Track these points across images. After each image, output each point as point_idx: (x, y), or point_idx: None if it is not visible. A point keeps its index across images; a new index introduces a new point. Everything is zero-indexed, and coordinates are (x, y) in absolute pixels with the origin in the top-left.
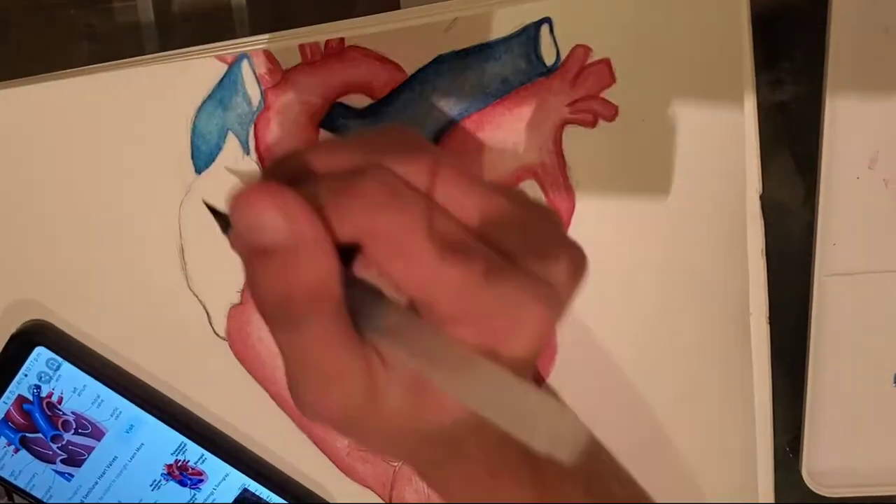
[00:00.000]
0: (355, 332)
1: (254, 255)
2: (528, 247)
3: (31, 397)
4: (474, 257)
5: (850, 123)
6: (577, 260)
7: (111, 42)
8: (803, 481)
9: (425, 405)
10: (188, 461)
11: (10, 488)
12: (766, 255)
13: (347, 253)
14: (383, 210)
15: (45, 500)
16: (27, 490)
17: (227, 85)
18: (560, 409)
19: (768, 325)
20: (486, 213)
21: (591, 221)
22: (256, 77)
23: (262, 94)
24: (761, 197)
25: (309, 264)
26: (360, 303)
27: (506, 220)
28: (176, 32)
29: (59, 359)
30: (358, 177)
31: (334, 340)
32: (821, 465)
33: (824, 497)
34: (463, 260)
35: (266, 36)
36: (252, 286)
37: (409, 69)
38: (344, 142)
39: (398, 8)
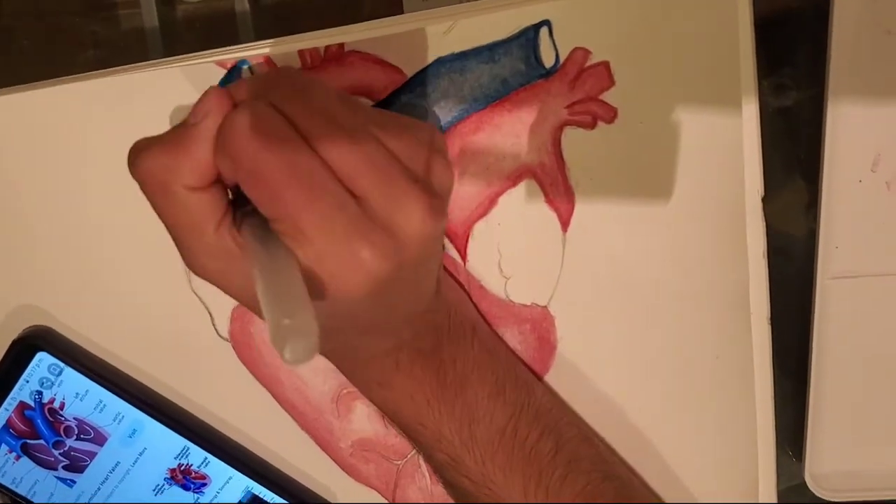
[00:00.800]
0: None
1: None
2: (378, 192)
3: (32, 403)
4: (320, 191)
5: (852, 126)
6: (429, 213)
7: (116, 49)
8: (806, 485)
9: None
10: (191, 465)
11: (11, 496)
12: (769, 257)
13: None
14: (250, 145)
15: None
16: (28, 497)
17: None
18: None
19: (770, 327)
20: (344, 152)
21: (590, 223)
22: None
23: None
24: (763, 199)
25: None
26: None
27: (362, 161)
28: (180, 39)
29: (61, 364)
30: (233, 111)
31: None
32: (824, 468)
33: (827, 501)
34: (309, 192)
35: (266, 42)
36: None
37: (409, 71)
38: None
39: (401, 12)
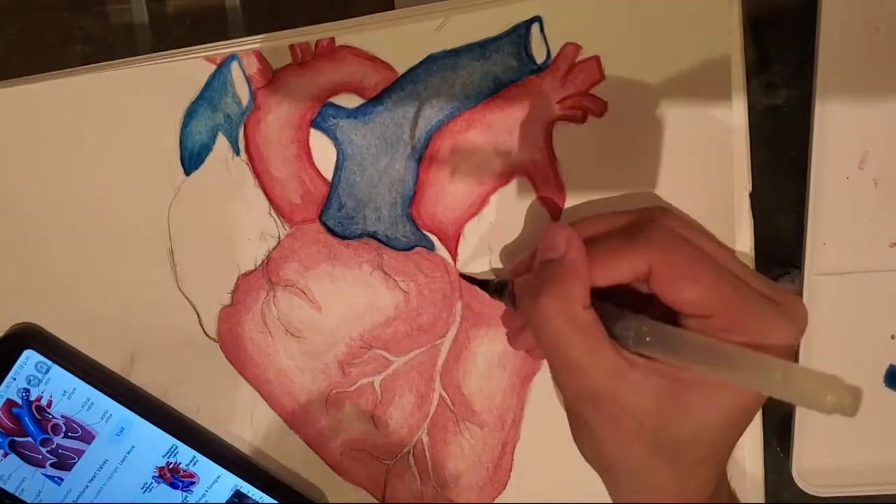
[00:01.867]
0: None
1: (539, 265)
2: (768, 290)
3: (19, 401)
4: (740, 285)
5: (839, 123)
6: (801, 304)
7: (105, 45)
8: (793, 481)
9: (673, 409)
10: (179, 463)
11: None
12: (757, 254)
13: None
14: (675, 245)
15: None
16: (16, 495)
17: (216, 86)
18: (828, 376)
19: None
20: (737, 263)
21: (581, 217)
22: (246, 77)
23: (251, 94)
24: (750, 194)
25: (575, 275)
26: (619, 320)
27: (749, 271)
28: (170, 35)
29: (49, 362)
30: (650, 220)
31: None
32: (811, 464)
33: (814, 497)
34: (734, 286)
35: (255, 37)
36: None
37: (400, 68)
38: (614, 212)
39: (392, 8)
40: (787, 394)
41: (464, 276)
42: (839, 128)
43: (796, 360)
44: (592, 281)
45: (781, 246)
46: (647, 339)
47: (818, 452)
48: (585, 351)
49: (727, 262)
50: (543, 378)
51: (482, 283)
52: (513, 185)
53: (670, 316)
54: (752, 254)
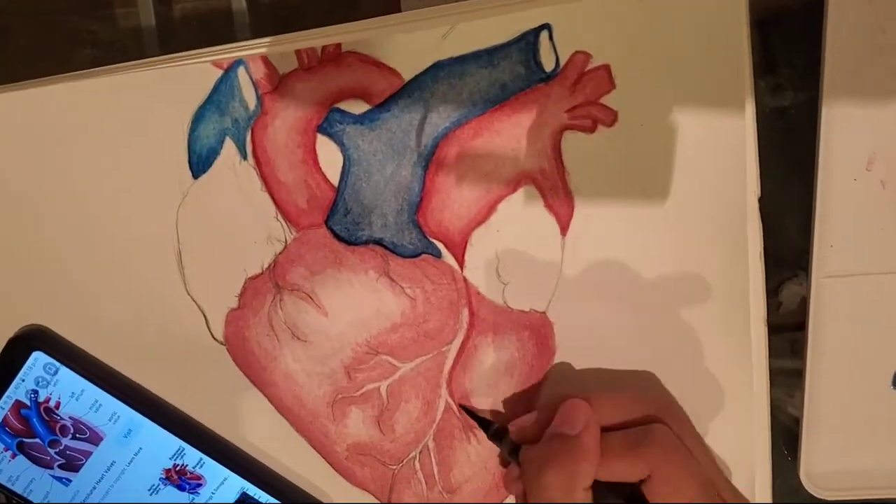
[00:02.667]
0: None
1: (552, 437)
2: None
3: (28, 402)
4: (715, 497)
5: (847, 125)
6: None
7: (112, 48)
8: (801, 484)
9: None
10: (186, 465)
11: (7, 494)
12: (765, 256)
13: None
14: (674, 456)
15: None
16: (24, 496)
17: (224, 90)
18: None
19: (766, 328)
20: (717, 473)
21: (590, 227)
22: (253, 82)
23: (258, 99)
24: (760, 200)
25: (586, 457)
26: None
27: (727, 483)
28: (177, 38)
29: (57, 363)
30: (654, 430)
31: None
32: (819, 467)
33: (823, 500)
34: (711, 498)
35: (262, 41)
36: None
37: (407, 75)
38: (627, 398)
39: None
40: None
41: (465, 410)
42: (846, 130)
43: None
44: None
45: (789, 248)
46: None
47: (826, 455)
48: None
49: (711, 471)
50: None
51: (483, 423)
52: (520, 194)
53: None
54: (762, 260)
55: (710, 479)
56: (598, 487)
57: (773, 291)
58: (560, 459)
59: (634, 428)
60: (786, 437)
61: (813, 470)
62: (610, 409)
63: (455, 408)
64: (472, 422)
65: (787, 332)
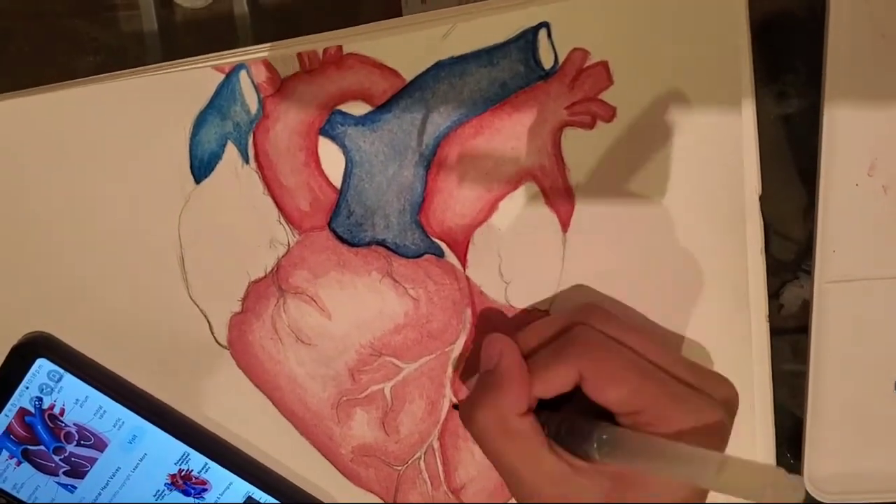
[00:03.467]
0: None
1: (478, 379)
2: (695, 380)
3: (32, 409)
4: (664, 380)
5: (848, 130)
6: (731, 387)
7: (114, 53)
8: (805, 488)
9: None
10: (192, 470)
11: (12, 501)
12: (768, 261)
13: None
14: (599, 352)
15: None
16: (29, 503)
17: (225, 94)
18: (765, 467)
19: (768, 325)
20: (663, 357)
21: (590, 223)
22: (255, 86)
23: (260, 102)
24: (760, 197)
25: (508, 385)
26: (576, 429)
27: (676, 362)
28: (179, 42)
29: (61, 370)
30: (574, 332)
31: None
32: (822, 470)
33: (826, 503)
34: (658, 382)
35: (262, 45)
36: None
37: (408, 76)
38: (548, 319)
39: (400, 16)
40: (725, 487)
41: (457, 408)
42: (848, 135)
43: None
44: (533, 392)
45: (791, 251)
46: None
47: (830, 459)
48: (525, 460)
49: (652, 356)
50: None
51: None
52: (522, 191)
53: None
54: (763, 257)
55: (651, 363)
56: (543, 410)
57: (774, 294)
58: (484, 395)
59: (555, 338)
60: (789, 441)
61: (816, 474)
62: (532, 335)
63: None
64: None
65: (789, 335)
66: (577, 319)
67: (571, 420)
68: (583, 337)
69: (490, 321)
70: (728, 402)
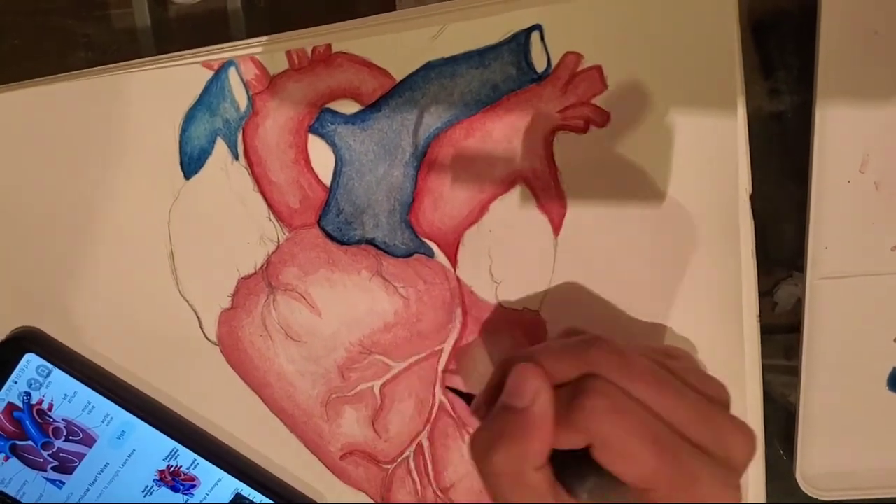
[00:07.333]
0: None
1: (501, 410)
2: (711, 440)
3: (20, 404)
4: (680, 455)
5: (840, 127)
6: (748, 442)
7: (107, 49)
8: (797, 485)
9: None
10: (180, 466)
11: (0, 497)
12: (760, 258)
13: None
14: (610, 419)
15: None
16: (17, 498)
17: (214, 91)
18: None
19: (759, 325)
20: (679, 411)
21: (582, 227)
22: (244, 83)
23: (249, 99)
24: (751, 198)
25: (536, 434)
26: (573, 468)
27: (693, 416)
28: (172, 39)
29: (50, 365)
30: (584, 391)
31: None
32: (815, 468)
33: (819, 500)
34: (673, 459)
35: (253, 41)
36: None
37: (398, 75)
38: (562, 351)
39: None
40: None
41: (450, 389)
42: (840, 131)
43: None
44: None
45: (784, 249)
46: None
47: (822, 456)
48: None
49: (668, 413)
50: None
51: (466, 398)
52: (513, 194)
53: None
54: (754, 257)
55: (667, 423)
56: (564, 460)
57: (768, 292)
58: (506, 439)
59: (567, 386)
60: (782, 438)
61: (809, 471)
62: (556, 364)
63: (449, 406)
64: (465, 421)
65: (783, 333)
66: (590, 365)
67: (589, 473)
68: (591, 401)
69: (480, 321)
70: (745, 460)
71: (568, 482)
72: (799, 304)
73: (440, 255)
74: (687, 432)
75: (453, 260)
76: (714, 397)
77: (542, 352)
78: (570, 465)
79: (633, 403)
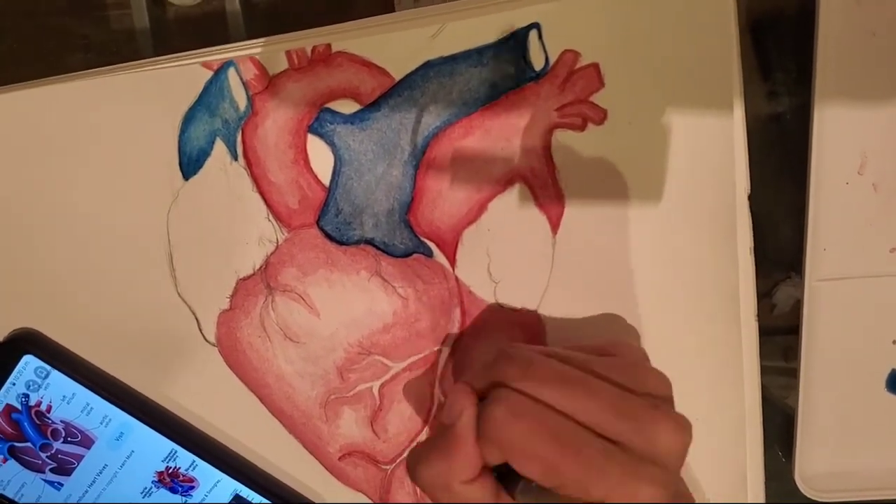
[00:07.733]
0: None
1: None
2: (630, 433)
3: (19, 406)
4: (583, 449)
5: (839, 128)
6: (675, 431)
7: (106, 50)
8: (796, 486)
9: None
10: (179, 468)
11: None
12: (759, 260)
13: None
14: (508, 427)
15: None
16: (16, 500)
17: (213, 91)
18: None
19: (757, 324)
20: (590, 408)
21: (580, 226)
22: (244, 83)
23: (248, 99)
24: (749, 196)
25: (460, 449)
26: (514, 476)
27: (607, 412)
28: (171, 40)
29: (48, 367)
30: (486, 403)
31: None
32: (813, 469)
33: (817, 501)
34: (575, 454)
35: (252, 42)
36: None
37: (397, 74)
38: (481, 367)
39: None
40: None
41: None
42: (838, 133)
43: None
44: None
45: (783, 250)
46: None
47: (821, 457)
48: None
49: (579, 413)
50: None
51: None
52: (511, 192)
53: None
54: (752, 256)
55: (577, 422)
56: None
57: (766, 294)
58: (434, 453)
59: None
60: (781, 439)
61: (808, 472)
62: (478, 382)
63: None
64: None
65: (782, 335)
66: (497, 377)
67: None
68: (490, 411)
69: (479, 321)
70: (675, 450)
71: (510, 490)
72: (797, 305)
73: (439, 255)
74: (599, 428)
75: (452, 259)
76: (649, 391)
77: (473, 370)
78: (513, 474)
79: (533, 405)
